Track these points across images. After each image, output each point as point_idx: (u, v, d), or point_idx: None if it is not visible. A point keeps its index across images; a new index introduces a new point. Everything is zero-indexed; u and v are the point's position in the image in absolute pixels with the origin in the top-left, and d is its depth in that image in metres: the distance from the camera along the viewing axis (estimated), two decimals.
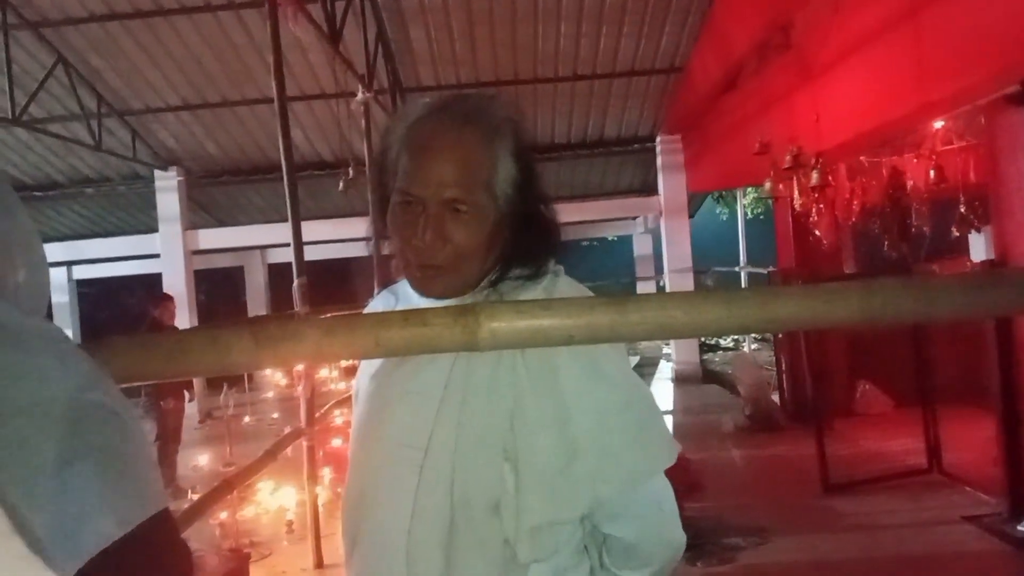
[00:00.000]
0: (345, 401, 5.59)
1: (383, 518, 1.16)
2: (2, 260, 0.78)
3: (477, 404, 1.12)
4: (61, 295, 14.33)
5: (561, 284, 1.22)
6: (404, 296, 1.27)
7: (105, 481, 0.66)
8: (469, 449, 1.11)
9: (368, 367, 1.31)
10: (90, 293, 15.43)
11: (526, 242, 1.20)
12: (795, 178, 6.22)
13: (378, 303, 1.35)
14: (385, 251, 1.27)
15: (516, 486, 1.10)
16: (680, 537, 1.23)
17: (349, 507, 1.25)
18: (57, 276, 14.05)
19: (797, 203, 6.51)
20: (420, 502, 1.12)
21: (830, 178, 6.34)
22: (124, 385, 0.80)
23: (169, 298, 7.33)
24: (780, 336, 7.88)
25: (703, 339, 12.88)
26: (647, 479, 1.17)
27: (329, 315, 1.97)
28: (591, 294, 1.18)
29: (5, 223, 0.80)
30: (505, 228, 1.18)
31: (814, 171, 5.87)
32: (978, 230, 6.91)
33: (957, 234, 7.10)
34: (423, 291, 1.19)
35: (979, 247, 8.62)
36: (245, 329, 0.80)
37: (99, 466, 0.66)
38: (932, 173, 6.47)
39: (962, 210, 6.77)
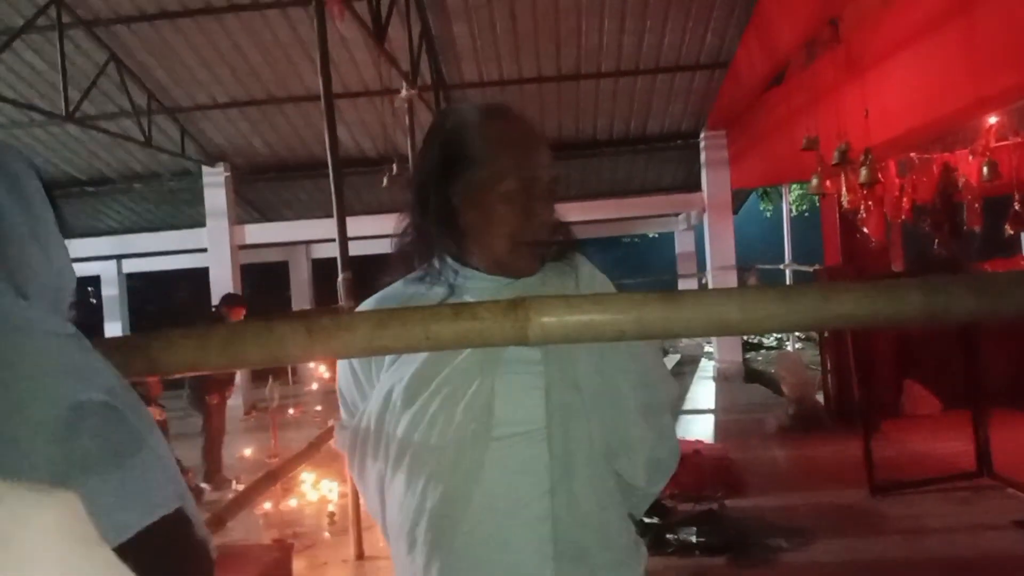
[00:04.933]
0: None
1: (513, 504, 1.20)
2: (18, 255, 0.75)
3: (579, 363, 1.23)
4: (112, 288, 14.68)
5: (586, 265, 1.36)
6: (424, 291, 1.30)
7: (103, 486, 0.62)
8: (590, 403, 1.23)
9: (402, 368, 1.24)
10: (138, 287, 15.74)
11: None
12: (843, 174, 6.12)
13: (388, 293, 1.36)
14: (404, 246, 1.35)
15: (621, 426, 1.25)
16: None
17: (434, 513, 1.20)
18: (108, 269, 14.38)
19: (845, 200, 6.41)
20: (559, 472, 1.20)
21: (879, 175, 6.22)
22: (173, 376, 0.80)
23: (243, 302, 7.02)
24: (826, 335, 7.75)
25: (746, 337, 12.71)
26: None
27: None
28: (609, 282, 1.38)
29: (21, 216, 0.76)
30: None
31: (863, 167, 5.76)
32: None
33: (1011, 232, 6.92)
34: (524, 268, 1.28)
35: None
36: (299, 321, 0.80)
37: (97, 471, 0.62)
38: (985, 169, 6.30)
39: (1016, 208, 6.60)
